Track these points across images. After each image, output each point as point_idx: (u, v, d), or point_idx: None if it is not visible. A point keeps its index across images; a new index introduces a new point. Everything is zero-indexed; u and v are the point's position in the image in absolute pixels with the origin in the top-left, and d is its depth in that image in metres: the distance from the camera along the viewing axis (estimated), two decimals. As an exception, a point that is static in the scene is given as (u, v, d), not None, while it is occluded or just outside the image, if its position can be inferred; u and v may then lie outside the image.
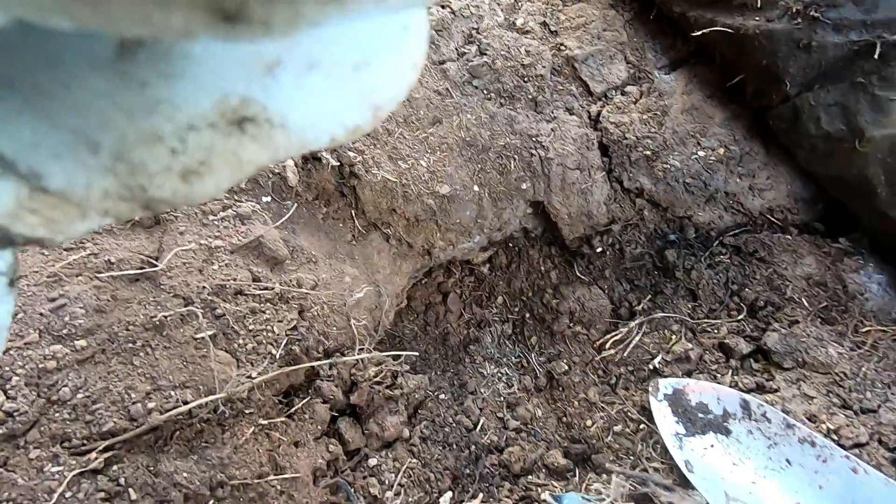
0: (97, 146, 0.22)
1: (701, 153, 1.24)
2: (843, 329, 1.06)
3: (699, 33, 1.16)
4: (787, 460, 0.97)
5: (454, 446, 1.15)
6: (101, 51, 0.21)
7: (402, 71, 0.28)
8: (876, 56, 0.95)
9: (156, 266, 0.84)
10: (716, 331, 1.20)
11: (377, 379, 1.08)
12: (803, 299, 1.13)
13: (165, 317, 0.80)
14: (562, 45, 1.43)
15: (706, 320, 1.23)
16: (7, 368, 0.66)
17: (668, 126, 1.28)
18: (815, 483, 0.94)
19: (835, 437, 0.95)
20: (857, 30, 0.97)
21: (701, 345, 1.20)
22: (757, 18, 1.09)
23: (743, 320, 1.19)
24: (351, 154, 1.19)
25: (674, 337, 1.24)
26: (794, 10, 1.03)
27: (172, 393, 0.75)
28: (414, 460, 1.07)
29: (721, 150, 1.24)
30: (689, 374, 1.17)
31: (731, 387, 1.10)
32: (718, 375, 1.14)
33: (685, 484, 1.01)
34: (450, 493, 1.05)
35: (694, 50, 1.35)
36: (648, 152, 1.27)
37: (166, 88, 0.22)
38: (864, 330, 1.05)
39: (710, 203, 1.27)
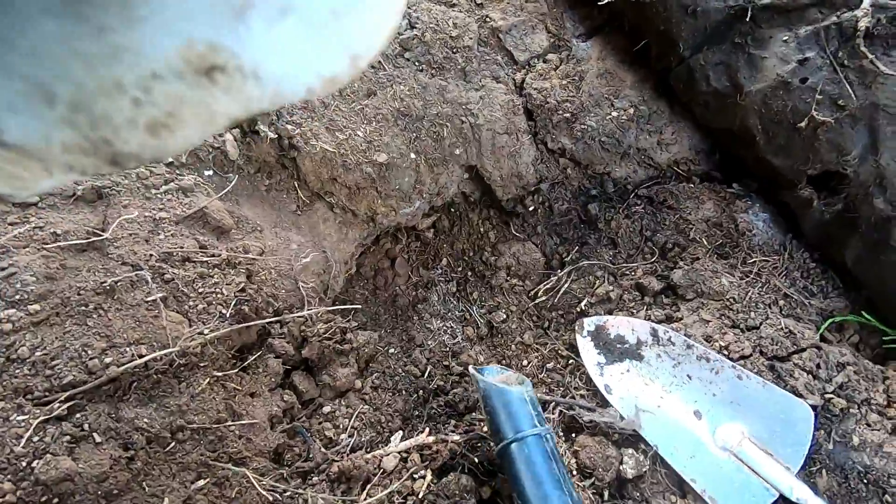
0: (53, 96, 0.21)
1: (614, 113, 1.37)
2: (734, 262, 1.22)
3: (606, 2, 1.27)
4: (688, 375, 1.12)
5: (403, 392, 1.26)
6: None
7: (382, 18, 0.26)
8: (749, 19, 1.08)
9: (102, 235, 0.89)
10: (633, 273, 1.35)
11: (327, 335, 1.16)
12: (703, 239, 1.28)
13: (115, 282, 0.86)
14: (487, 16, 1.51)
15: (625, 264, 1.37)
16: (-36, 332, 0.71)
17: (585, 90, 1.40)
18: (709, 392, 1.09)
19: (725, 352, 1.11)
20: (733, -4, 1.10)
21: (620, 286, 1.34)
22: (653, -13, 1.20)
23: (655, 262, 1.33)
24: (289, 127, 1.25)
25: (597, 281, 1.37)
26: (682, -21, 1.15)
27: (127, 349, 0.81)
28: (366, 406, 1.17)
29: (632, 110, 1.37)
30: (610, 312, 1.31)
31: (645, 319, 1.24)
32: (635, 311, 1.29)
33: (605, 404, 1.15)
34: (400, 432, 1.16)
35: (607, 18, 1.46)
36: (568, 115, 1.38)
37: (127, 34, 0.20)
38: (751, 261, 1.21)
39: (624, 159, 1.40)
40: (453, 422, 1.22)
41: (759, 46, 1.09)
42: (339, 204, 1.38)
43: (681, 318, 1.20)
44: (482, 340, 1.41)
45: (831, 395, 1.03)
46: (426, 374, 1.31)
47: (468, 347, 1.38)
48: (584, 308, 1.35)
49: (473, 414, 1.24)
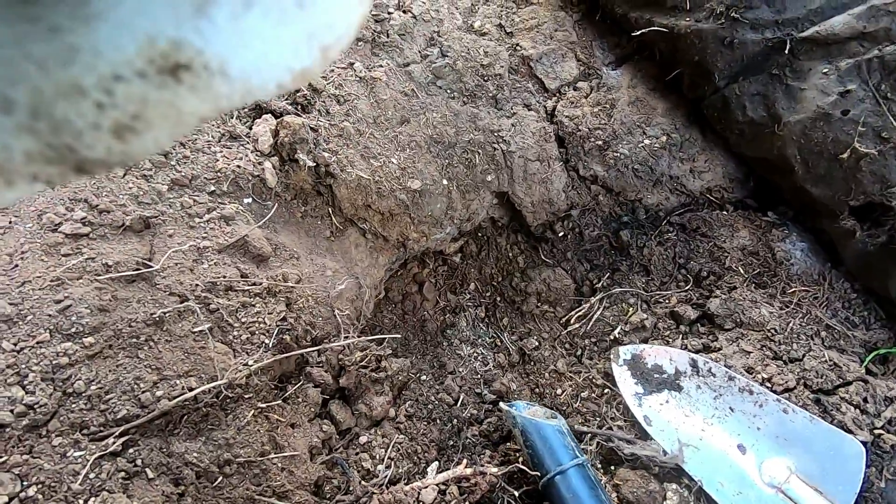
0: (10, 103, 0.20)
1: (646, 141, 1.37)
2: (773, 291, 1.21)
3: (639, 33, 1.28)
4: (730, 408, 1.11)
5: (438, 421, 1.24)
6: None
7: (348, 6, 0.26)
8: (787, 51, 1.09)
9: (151, 267, 0.90)
10: (667, 301, 1.34)
11: (363, 363, 1.16)
12: (740, 268, 1.27)
13: (164, 313, 0.86)
14: (517, 45, 1.54)
15: (658, 292, 1.36)
16: (24, 366, 0.71)
17: (617, 118, 1.40)
18: (753, 425, 1.07)
19: (768, 385, 1.09)
20: (770, 28, 1.11)
21: (655, 314, 1.33)
22: (687, 19, 1.21)
23: (690, 290, 1.32)
24: (326, 154, 1.26)
25: (631, 309, 1.36)
26: (717, 12, 1.16)
27: (177, 381, 0.81)
28: (401, 436, 1.16)
29: (664, 138, 1.37)
30: (645, 340, 1.30)
31: (681, 349, 1.23)
32: (671, 340, 1.27)
33: (645, 436, 1.13)
34: (436, 463, 1.15)
35: (637, 47, 1.48)
36: (600, 142, 1.38)
37: (83, 33, 0.20)
38: (791, 291, 1.20)
39: (656, 186, 1.40)
40: (488, 452, 1.21)
41: (797, 78, 1.09)
42: (372, 230, 1.39)
43: (719, 349, 1.19)
44: (514, 368, 1.40)
45: (881, 431, 1.00)
46: (459, 403, 1.30)
47: (500, 375, 1.37)
48: (618, 336, 1.33)
49: (508, 444, 1.23)
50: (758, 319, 1.17)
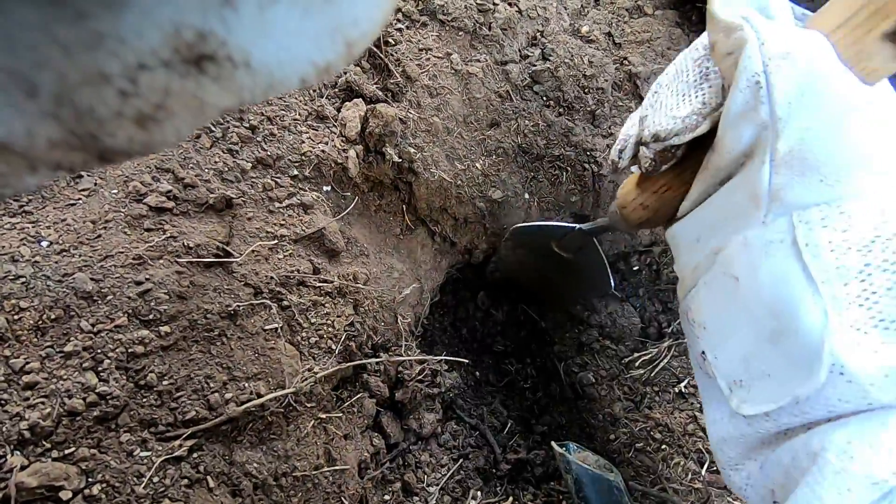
0: (35, 88, 0.20)
1: (753, 188, 1.26)
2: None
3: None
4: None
5: (484, 448, 1.19)
6: None
7: (375, 4, 0.25)
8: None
9: (230, 252, 0.85)
10: (743, 362, 1.24)
11: (419, 377, 1.10)
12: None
13: (239, 306, 0.81)
14: (625, 59, 1.42)
15: (735, 351, 1.27)
16: (99, 351, 0.67)
17: (724, 157, 1.29)
18: None
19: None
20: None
21: (727, 374, 1.24)
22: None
23: (771, 355, 1.23)
24: (411, 150, 1.19)
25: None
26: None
27: (246, 384, 0.77)
28: (446, 457, 1.11)
29: (773, 188, 1.26)
30: (713, 401, 1.21)
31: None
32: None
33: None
34: (479, 493, 1.10)
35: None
36: (701, 181, 1.28)
37: (109, 20, 0.19)
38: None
39: (753, 237, 1.29)
40: (531, 489, 1.15)
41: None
42: (442, 233, 1.32)
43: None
44: (566, 402, 1.33)
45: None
46: (506, 430, 1.24)
47: (550, 406, 1.31)
48: (683, 389, 1.25)
49: (552, 483, 1.17)
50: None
